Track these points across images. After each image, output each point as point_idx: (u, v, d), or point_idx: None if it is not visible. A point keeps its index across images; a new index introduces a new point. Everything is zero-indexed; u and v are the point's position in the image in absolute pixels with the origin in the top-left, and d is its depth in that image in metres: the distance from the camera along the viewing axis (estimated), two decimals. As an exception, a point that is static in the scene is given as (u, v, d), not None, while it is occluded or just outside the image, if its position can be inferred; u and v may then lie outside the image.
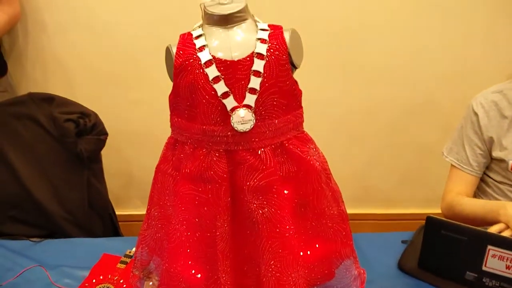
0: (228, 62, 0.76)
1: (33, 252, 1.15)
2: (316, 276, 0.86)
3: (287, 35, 0.79)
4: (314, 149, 0.83)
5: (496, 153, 1.22)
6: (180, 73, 0.78)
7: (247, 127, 0.76)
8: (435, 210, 1.28)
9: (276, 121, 0.78)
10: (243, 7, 0.80)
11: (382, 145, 1.96)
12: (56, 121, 1.38)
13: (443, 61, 1.82)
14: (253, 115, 0.76)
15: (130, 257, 1.10)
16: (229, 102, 0.76)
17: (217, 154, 0.78)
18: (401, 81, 1.86)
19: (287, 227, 0.78)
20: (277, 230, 0.78)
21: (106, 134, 1.45)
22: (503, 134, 1.21)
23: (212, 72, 0.76)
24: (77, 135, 1.38)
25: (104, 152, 1.49)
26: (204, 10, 0.80)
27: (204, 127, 0.77)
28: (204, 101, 0.77)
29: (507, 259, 0.93)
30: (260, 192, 0.77)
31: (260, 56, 0.76)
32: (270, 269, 0.78)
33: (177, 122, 0.82)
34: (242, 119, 0.75)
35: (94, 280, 1.05)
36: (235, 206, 0.79)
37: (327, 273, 0.87)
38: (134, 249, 1.00)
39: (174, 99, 0.81)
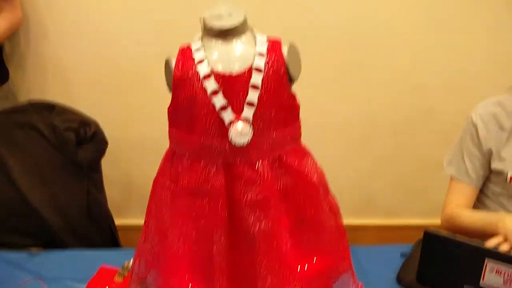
0: (226, 76, 0.77)
1: (31, 264, 1.14)
2: (314, 291, 0.86)
3: (285, 49, 0.79)
4: (312, 163, 0.83)
5: (495, 165, 1.21)
6: (179, 86, 0.78)
7: (244, 141, 0.76)
8: (437, 220, 1.27)
9: (274, 134, 0.79)
10: (243, 20, 0.80)
11: (383, 155, 1.96)
12: (56, 129, 1.38)
13: (445, 71, 1.82)
14: (251, 128, 0.76)
15: (128, 269, 1.10)
16: (227, 116, 0.76)
17: (215, 168, 0.78)
18: (402, 91, 1.86)
19: (284, 241, 0.78)
20: (274, 245, 0.77)
21: (106, 143, 1.44)
22: (502, 146, 1.21)
23: (210, 85, 0.76)
24: (77, 144, 1.38)
25: (104, 160, 1.49)
26: (203, 23, 0.80)
27: (202, 140, 0.78)
28: (202, 114, 0.77)
29: (504, 273, 0.93)
30: (258, 207, 0.77)
31: (258, 69, 0.77)
32: (267, 285, 0.78)
33: (175, 134, 0.82)
34: (240, 133, 0.75)
35: (91, 293, 1.04)
36: (232, 220, 0.79)
37: (324, 288, 0.87)
38: (132, 260, 1.00)
39: (173, 112, 0.81)
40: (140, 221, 0.92)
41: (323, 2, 1.72)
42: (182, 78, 0.78)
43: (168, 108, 0.82)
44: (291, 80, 0.80)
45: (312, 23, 1.74)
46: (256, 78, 0.76)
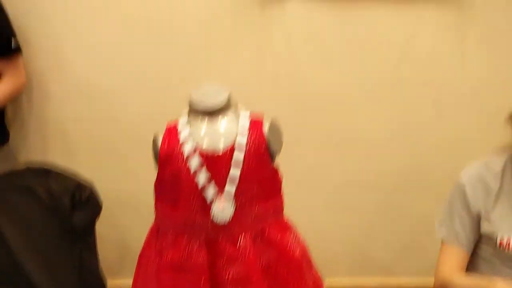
0: (210, 154, 0.79)
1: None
2: None
3: (266, 126, 0.82)
4: (295, 237, 0.84)
5: (484, 228, 1.21)
6: (165, 163, 0.81)
7: (226, 218, 0.78)
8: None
9: (256, 208, 0.81)
10: (226, 100, 0.84)
11: (378, 215, 1.95)
12: (53, 193, 1.40)
13: (435, 132, 1.85)
14: (233, 205, 0.78)
15: None
16: (210, 194, 0.78)
17: (197, 244, 0.79)
18: (394, 153, 1.87)
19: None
20: (257, 322, 0.77)
21: (100, 207, 1.45)
22: (490, 208, 1.21)
23: (194, 164, 0.79)
24: (72, 207, 1.40)
25: (99, 220, 1.49)
26: (190, 102, 0.84)
27: (185, 216, 0.80)
28: (186, 191, 0.79)
29: None
30: (239, 284, 0.78)
31: (240, 147, 0.80)
32: None
33: (160, 209, 0.84)
34: (222, 211, 0.77)
35: None
36: (215, 297, 0.79)
37: None
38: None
39: (158, 186, 0.84)
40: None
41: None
42: (167, 155, 0.81)
43: (154, 183, 0.84)
44: (272, 156, 0.83)
45: (305, 89, 1.78)
46: (238, 156, 0.79)
